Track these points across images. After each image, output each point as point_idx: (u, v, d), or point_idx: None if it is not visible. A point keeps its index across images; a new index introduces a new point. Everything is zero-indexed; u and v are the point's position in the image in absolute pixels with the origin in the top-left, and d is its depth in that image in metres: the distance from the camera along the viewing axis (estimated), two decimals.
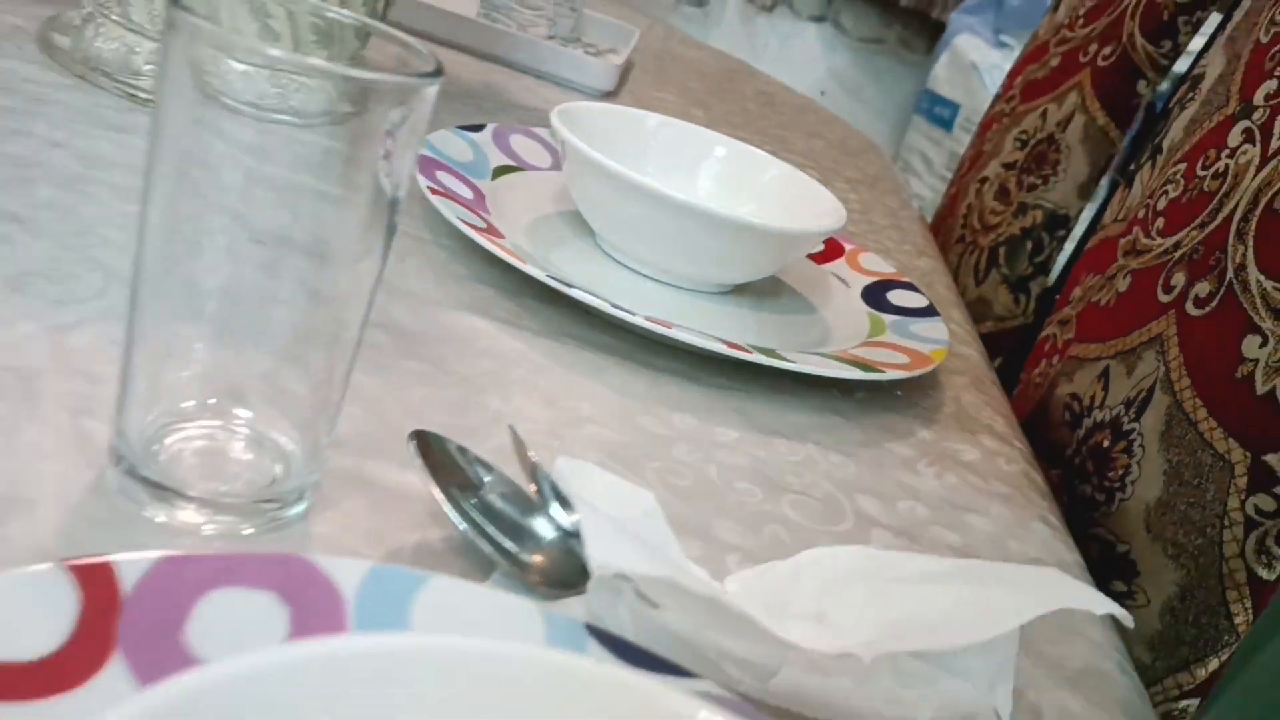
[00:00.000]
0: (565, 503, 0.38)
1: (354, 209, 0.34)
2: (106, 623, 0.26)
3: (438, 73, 0.33)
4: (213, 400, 0.36)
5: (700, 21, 2.51)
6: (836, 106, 1.35)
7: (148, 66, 0.62)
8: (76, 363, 0.39)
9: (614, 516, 0.34)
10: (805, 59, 2.54)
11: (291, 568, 0.29)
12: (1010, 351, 0.95)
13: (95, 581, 0.26)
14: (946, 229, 1.09)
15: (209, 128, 0.33)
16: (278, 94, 0.68)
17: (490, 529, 0.36)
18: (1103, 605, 0.36)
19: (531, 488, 0.38)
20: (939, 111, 2.31)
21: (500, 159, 0.66)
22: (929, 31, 2.60)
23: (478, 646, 0.23)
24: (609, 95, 1.00)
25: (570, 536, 0.37)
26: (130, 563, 0.27)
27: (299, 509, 0.35)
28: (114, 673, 0.25)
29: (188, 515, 0.33)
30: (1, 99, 0.56)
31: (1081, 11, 0.96)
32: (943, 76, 2.34)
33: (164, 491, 0.33)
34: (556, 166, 0.69)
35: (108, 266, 0.45)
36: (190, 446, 0.35)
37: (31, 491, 0.33)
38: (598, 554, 0.31)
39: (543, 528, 0.37)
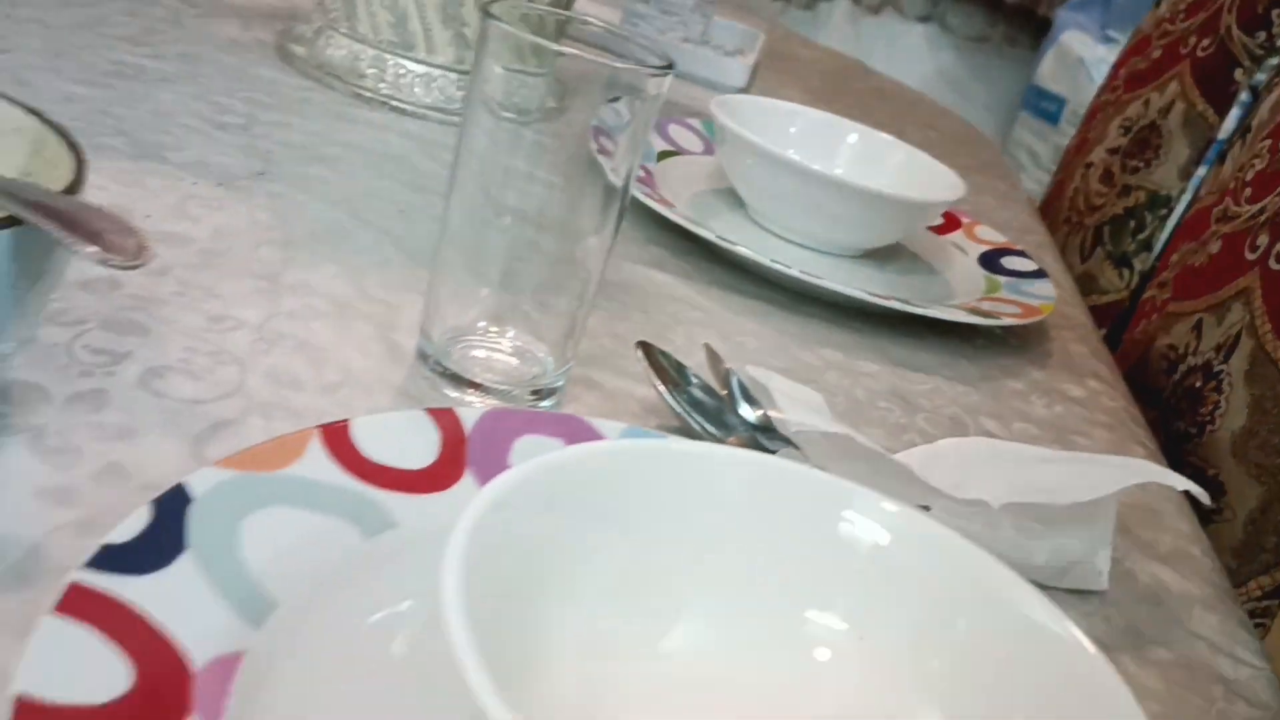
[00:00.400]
0: (751, 402, 0.48)
1: (589, 197, 0.44)
2: (458, 450, 0.37)
3: (669, 66, 0.43)
4: (482, 323, 0.47)
5: (808, 24, 2.60)
6: (943, 104, 1.43)
7: (370, 70, 0.75)
8: (373, 294, 0.50)
9: (799, 399, 0.44)
10: (912, 58, 2.61)
11: (573, 424, 0.39)
12: (1114, 323, 1.03)
13: (447, 422, 0.37)
14: (1053, 212, 1.17)
15: (483, 127, 0.43)
16: (465, 98, 0.80)
17: (696, 417, 0.46)
18: (1182, 483, 0.45)
19: (724, 391, 0.49)
20: (1045, 106, 2.37)
21: (662, 144, 0.77)
22: (1034, 28, 2.65)
23: (743, 453, 0.33)
24: (741, 92, 1.10)
25: (756, 429, 0.47)
26: (467, 412, 0.38)
27: (550, 403, 0.46)
28: (468, 482, 0.36)
29: (472, 397, 0.44)
30: (265, 98, 0.68)
31: (1182, 6, 1.04)
32: (1049, 72, 2.39)
33: (457, 380, 0.44)
34: (707, 151, 0.80)
35: (375, 225, 0.57)
36: (473, 353, 0.46)
37: (363, 380, 0.44)
38: (793, 416, 0.41)
39: (734, 421, 0.48)
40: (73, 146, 0.36)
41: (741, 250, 0.62)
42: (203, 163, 0.57)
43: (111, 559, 0.28)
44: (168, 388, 0.39)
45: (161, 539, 0.29)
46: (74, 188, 0.34)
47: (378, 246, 0.55)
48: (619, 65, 0.42)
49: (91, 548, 0.29)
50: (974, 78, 2.68)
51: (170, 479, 0.34)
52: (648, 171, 0.72)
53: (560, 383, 0.47)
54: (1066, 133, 2.33)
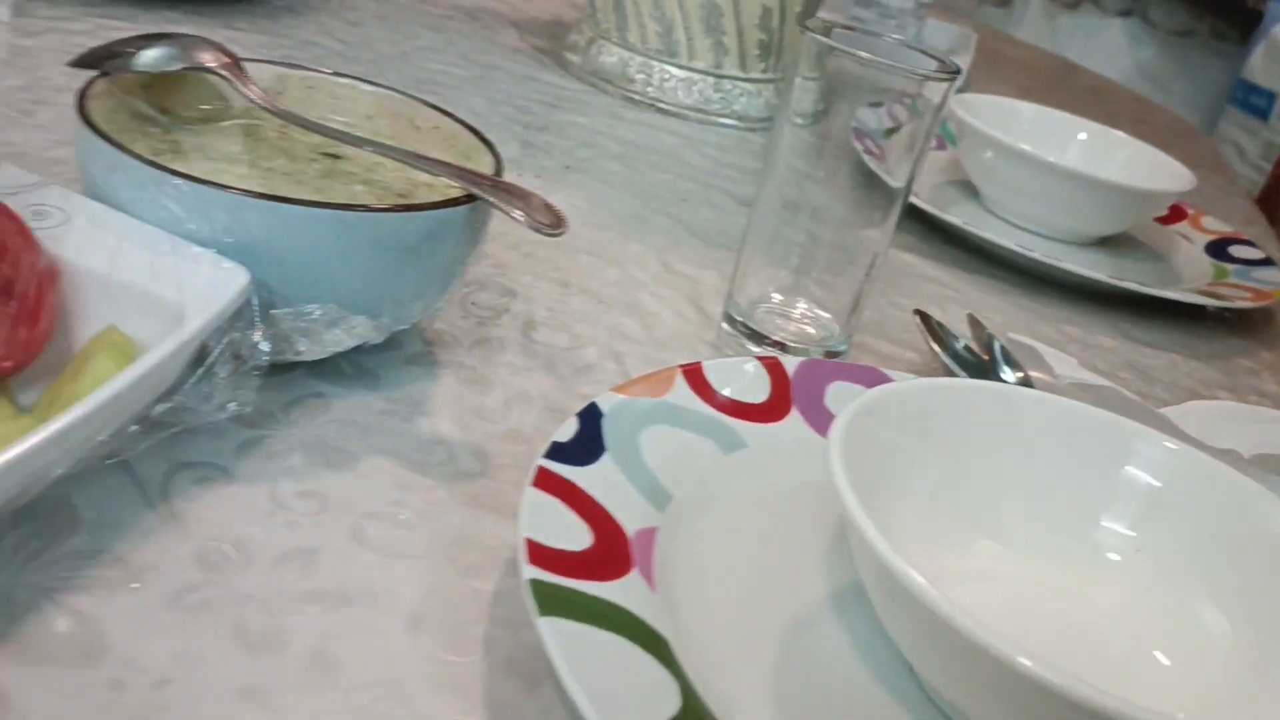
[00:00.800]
0: (1011, 365, 0.54)
1: (871, 196, 0.51)
2: (785, 390, 0.45)
3: (955, 73, 0.49)
4: (777, 295, 0.55)
5: (1003, 20, 2.60)
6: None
7: (639, 75, 0.83)
8: (677, 268, 0.59)
9: (1062, 360, 0.50)
10: (1110, 54, 2.58)
11: (873, 374, 0.47)
12: None
13: (774, 369, 0.45)
14: (1271, 205, 1.18)
15: (785, 133, 0.51)
16: (721, 99, 0.89)
17: (963, 374, 0.53)
18: None
19: (985, 356, 0.55)
20: (1255, 101, 2.31)
21: None
22: (1242, 21, 2.58)
23: (1042, 394, 0.40)
24: (958, 92, 1.15)
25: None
26: (788, 360, 0.46)
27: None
28: (795, 416, 0.44)
29: (773, 353, 0.52)
30: (552, 101, 0.78)
31: None
32: (1259, 66, 2.33)
33: (760, 338, 0.52)
34: (939, 146, 0.86)
35: (665, 211, 0.65)
36: (771, 317, 0.54)
37: (684, 336, 0.52)
38: (1062, 369, 0.47)
39: (995, 379, 0.54)
40: (485, 141, 0.46)
41: (988, 236, 0.68)
42: (522, 159, 0.67)
43: (560, 452, 0.36)
44: (541, 337, 0.48)
45: (589, 441, 0.38)
46: (499, 172, 0.43)
47: (671, 229, 0.63)
48: (917, 73, 0.49)
49: (534, 448, 0.38)
50: (1177, 73, 2.63)
51: (563, 405, 0.43)
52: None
53: (844, 346, 0.54)
54: (1278, 128, 2.27)
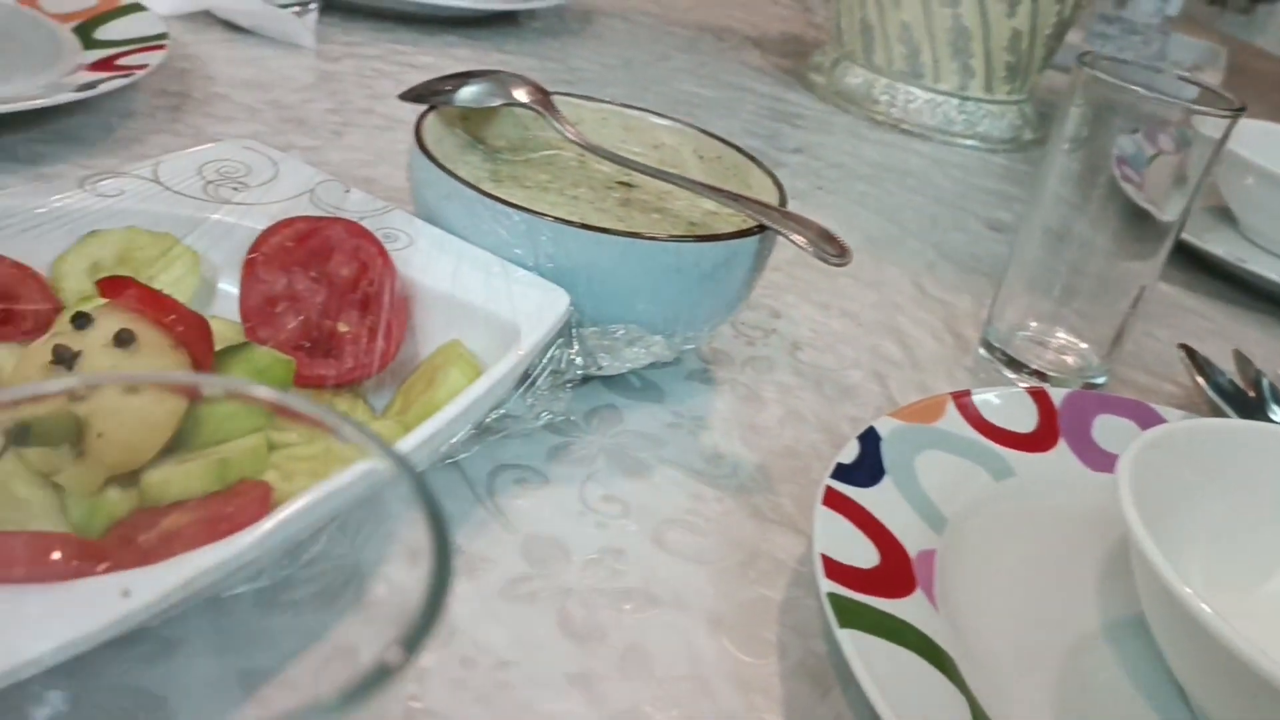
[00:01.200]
0: None
1: (1136, 229, 0.51)
2: (1052, 421, 0.46)
3: (1240, 110, 0.49)
4: (1034, 323, 0.55)
5: (1245, 28, 2.47)
6: None
7: (883, 96, 0.85)
8: (931, 292, 0.60)
9: None
10: None
11: (1141, 409, 0.47)
12: None
13: (1041, 400, 0.46)
14: None
15: (1055, 164, 0.51)
16: (964, 121, 0.88)
17: (1230, 411, 0.52)
18: None
19: (1251, 393, 0.54)
20: None
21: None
22: None
23: None
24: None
25: None
26: (1055, 391, 0.47)
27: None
28: (1062, 447, 0.45)
29: (1029, 380, 0.53)
30: (799, 121, 0.80)
31: None
32: None
33: (1018, 365, 0.53)
34: None
35: (915, 234, 0.67)
36: (1030, 345, 0.54)
37: (943, 360, 0.54)
38: None
39: (1263, 418, 0.53)
40: (768, 171, 0.48)
41: (1253, 269, 0.66)
42: None
43: (844, 473, 0.39)
44: (806, 357, 0.51)
45: (870, 463, 0.40)
46: (783, 202, 0.46)
47: (923, 252, 0.65)
48: (1196, 108, 0.49)
49: (808, 465, 0.41)
50: None
51: (833, 425, 0.46)
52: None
53: (1103, 378, 0.54)
54: None
